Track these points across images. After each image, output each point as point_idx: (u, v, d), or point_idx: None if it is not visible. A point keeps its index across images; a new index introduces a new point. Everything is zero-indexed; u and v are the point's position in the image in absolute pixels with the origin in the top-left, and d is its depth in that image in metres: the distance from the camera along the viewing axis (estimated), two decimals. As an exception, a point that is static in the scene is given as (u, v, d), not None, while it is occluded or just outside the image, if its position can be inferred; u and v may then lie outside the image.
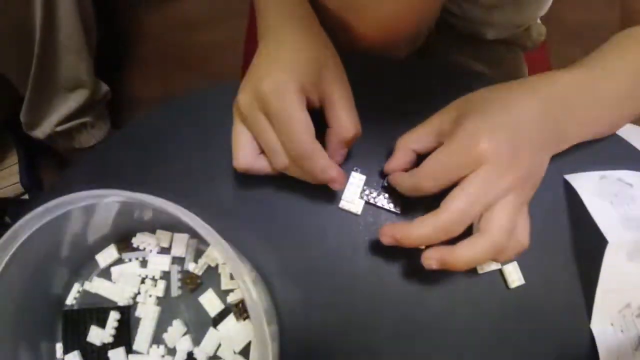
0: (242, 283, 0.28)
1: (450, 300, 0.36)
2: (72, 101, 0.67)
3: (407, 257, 0.37)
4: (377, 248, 0.38)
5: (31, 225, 0.32)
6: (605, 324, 0.35)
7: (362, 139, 0.37)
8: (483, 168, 0.31)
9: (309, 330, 0.36)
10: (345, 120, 0.35)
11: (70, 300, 0.38)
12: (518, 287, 0.36)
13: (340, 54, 0.37)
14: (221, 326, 0.36)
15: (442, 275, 0.37)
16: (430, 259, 0.32)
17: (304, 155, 0.33)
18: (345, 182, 0.38)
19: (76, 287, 0.39)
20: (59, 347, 0.37)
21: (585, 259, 0.36)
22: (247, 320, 0.36)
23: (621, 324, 0.35)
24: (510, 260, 0.36)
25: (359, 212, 0.38)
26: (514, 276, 0.36)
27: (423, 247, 0.35)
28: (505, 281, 0.36)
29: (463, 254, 0.31)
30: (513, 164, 0.31)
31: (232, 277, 0.37)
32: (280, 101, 0.32)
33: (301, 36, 0.36)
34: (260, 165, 0.36)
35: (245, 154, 0.36)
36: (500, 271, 0.37)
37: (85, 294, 0.39)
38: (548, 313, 0.36)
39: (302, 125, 0.33)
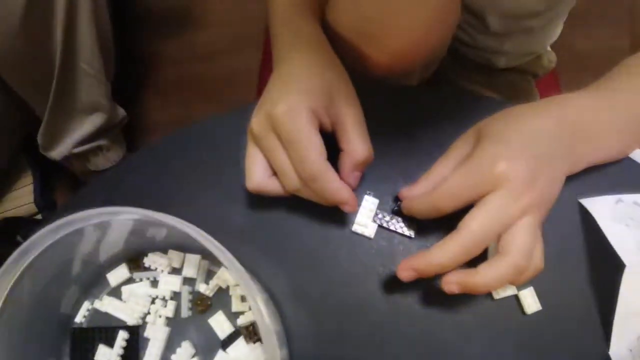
0: (254, 304, 0.28)
1: (466, 327, 0.36)
2: (89, 124, 0.69)
3: (420, 281, 0.36)
4: (390, 272, 0.37)
5: (44, 242, 0.33)
6: (623, 350, 0.34)
7: (374, 164, 0.36)
8: (501, 189, 0.31)
9: (318, 355, 0.36)
10: (357, 144, 0.35)
11: (79, 318, 0.38)
12: (535, 313, 0.35)
13: (353, 81, 0.38)
14: (230, 349, 0.35)
15: (457, 301, 0.36)
16: (452, 284, 0.31)
17: (315, 177, 0.33)
18: (358, 206, 0.38)
19: (85, 306, 0.38)
20: (66, 365, 0.37)
21: (603, 283, 0.35)
22: (257, 344, 0.35)
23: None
24: (526, 284, 0.35)
25: (372, 236, 0.38)
26: (530, 301, 0.35)
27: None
28: (521, 307, 0.35)
29: (485, 276, 0.31)
30: (530, 185, 0.31)
31: (243, 300, 0.37)
32: (292, 123, 0.33)
33: (313, 61, 0.37)
34: (272, 186, 0.36)
35: (258, 175, 0.36)
36: (516, 297, 0.36)
37: (94, 312, 0.38)
38: (565, 339, 0.35)
39: (314, 146, 0.33)
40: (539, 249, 0.32)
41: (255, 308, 0.28)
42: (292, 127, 0.33)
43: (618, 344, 0.34)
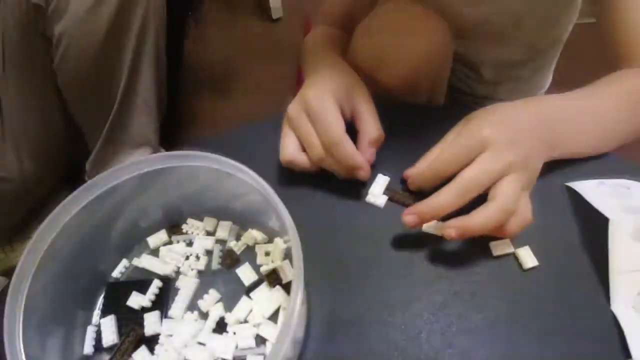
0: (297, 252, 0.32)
1: (470, 283, 0.38)
2: (135, 157, 0.77)
3: (427, 242, 0.41)
4: (398, 236, 0.41)
5: (107, 182, 0.38)
6: (627, 308, 0.36)
7: (387, 156, 0.44)
8: (488, 149, 0.37)
9: (333, 305, 0.38)
10: (370, 125, 0.43)
11: (116, 273, 0.42)
12: (533, 269, 0.38)
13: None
14: (253, 294, 0.39)
15: (460, 259, 0.40)
16: (450, 227, 0.36)
17: (335, 141, 0.40)
18: (372, 179, 0.44)
19: (123, 263, 0.43)
20: (95, 314, 0.40)
21: (595, 245, 0.39)
22: (276, 287, 0.38)
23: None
24: (523, 243, 0.39)
25: (382, 206, 0.43)
26: (527, 258, 0.38)
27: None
28: (519, 264, 0.39)
29: (477, 218, 0.36)
30: (512, 146, 0.38)
31: (267, 254, 0.41)
32: (319, 102, 0.41)
33: (336, 71, 0.47)
34: (301, 159, 0.43)
35: (290, 149, 0.43)
36: (514, 255, 0.39)
37: (131, 270, 0.43)
38: (565, 292, 0.37)
39: (336, 120, 0.41)
40: (525, 202, 0.37)
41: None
42: (319, 105, 0.41)
43: (620, 302, 0.36)
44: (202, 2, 1.59)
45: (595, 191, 0.41)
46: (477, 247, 0.40)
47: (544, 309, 0.37)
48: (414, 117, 0.51)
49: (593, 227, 0.39)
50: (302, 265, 0.31)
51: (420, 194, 0.42)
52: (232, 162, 0.36)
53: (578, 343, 0.35)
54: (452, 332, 0.36)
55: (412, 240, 0.41)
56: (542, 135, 0.41)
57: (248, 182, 0.36)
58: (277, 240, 0.41)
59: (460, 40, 0.59)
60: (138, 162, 0.39)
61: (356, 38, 0.52)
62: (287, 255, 0.40)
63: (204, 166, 0.38)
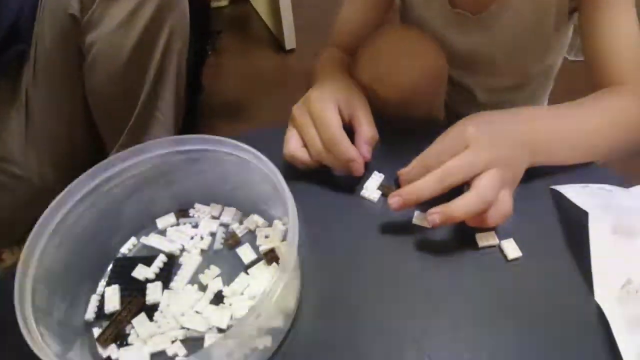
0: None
1: (455, 271, 0.41)
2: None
3: (416, 233, 0.43)
4: (388, 227, 0.44)
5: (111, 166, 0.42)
6: (611, 301, 0.37)
7: (379, 158, 0.48)
8: (471, 146, 0.41)
9: (326, 287, 0.41)
10: (365, 125, 0.47)
11: (124, 249, 0.45)
12: (517, 259, 0.40)
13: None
14: (251, 270, 0.41)
15: (446, 250, 0.42)
16: (434, 213, 0.39)
17: (333, 139, 0.44)
18: (367, 176, 0.47)
19: (132, 240, 0.45)
20: (101, 284, 0.42)
21: (579, 242, 0.40)
22: (274, 265, 0.41)
23: (627, 300, 0.37)
24: (507, 235, 0.42)
25: (375, 200, 0.46)
26: (511, 249, 0.41)
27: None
28: (504, 255, 0.41)
29: (459, 205, 0.39)
30: (492, 145, 0.41)
31: (266, 237, 0.44)
32: (320, 103, 0.46)
33: (339, 81, 0.52)
34: (302, 154, 0.47)
35: (293, 145, 0.47)
36: (499, 247, 0.41)
37: (140, 247, 0.45)
38: (548, 282, 0.39)
39: (334, 120, 0.45)
40: (506, 195, 0.40)
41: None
42: (321, 106, 0.46)
43: (603, 294, 0.38)
44: (219, 33, 1.69)
45: (578, 191, 0.44)
46: (464, 239, 0.42)
47: (528, 299, 0.39)
48: (411, 128, 0.55)
49: (576, 225, 0.41)
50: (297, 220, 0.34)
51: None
52: (249, 148, 0.40)
53: (563, 332, 0.36)
54: (438, 319, 0.38)
55: (402, 232, 0.44)
56: (525, 141, 0.44)
57: (260, 169, 0.39)
58: (276, 222, 0.43)
59: (454, 66, 0.64)
60: (157, 142, 0.42)
61: (359, 58, 0.57)
62: (285, 237, 0.42)
63: (221, 151, 0.41)
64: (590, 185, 0.45)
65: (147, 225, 0.47)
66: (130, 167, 0.42)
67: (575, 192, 0.44)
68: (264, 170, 0.39)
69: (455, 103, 0.73)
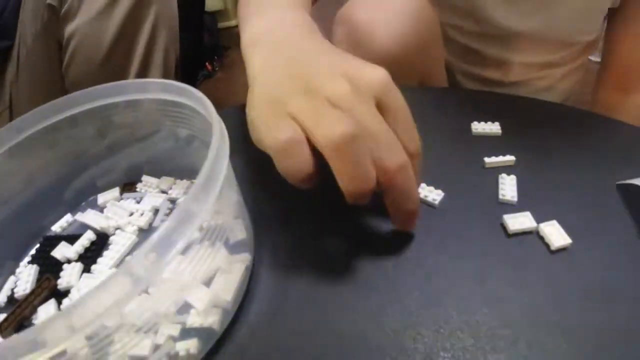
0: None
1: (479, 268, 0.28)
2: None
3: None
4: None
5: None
6: None
7: None
8: None
9: (286, 269, 0.30)
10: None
11: (56, 227, 0.37)
12: (564, 248, 0.28)
13: None
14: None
15: (459, 245, 0.30)
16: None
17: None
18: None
19: (66, 218, 0.37)
20: (22, 264, 0.34)
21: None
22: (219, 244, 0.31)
23: None
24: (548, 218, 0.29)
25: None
26: (555, 235, 0.28)
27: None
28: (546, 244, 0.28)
29: None
30: None
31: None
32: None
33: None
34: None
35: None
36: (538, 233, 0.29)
37: (75, 226, 0.37)
38: (600, 274, 0.26)
39: None
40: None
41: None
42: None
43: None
44: (227, 49, 1.67)
45: None
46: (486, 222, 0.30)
47: (572, 291, 0.26)
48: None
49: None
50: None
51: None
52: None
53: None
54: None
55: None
56: None
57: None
58: (228, 192, 0.33)
59: (488, 41, 0.53)
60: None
61: (341, 19, 0.48)
62: (240, 213, 0.32)
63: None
64: None
65: (87, 202, 0.38)
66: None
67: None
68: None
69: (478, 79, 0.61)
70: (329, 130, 0.24)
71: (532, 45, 0.56)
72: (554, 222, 0.29)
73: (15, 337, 0.18)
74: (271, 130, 0.26)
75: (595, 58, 0.94)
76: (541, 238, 0.29)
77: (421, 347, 0.24)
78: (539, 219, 0.29)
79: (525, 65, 0.57)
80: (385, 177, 0.25)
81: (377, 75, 0.27)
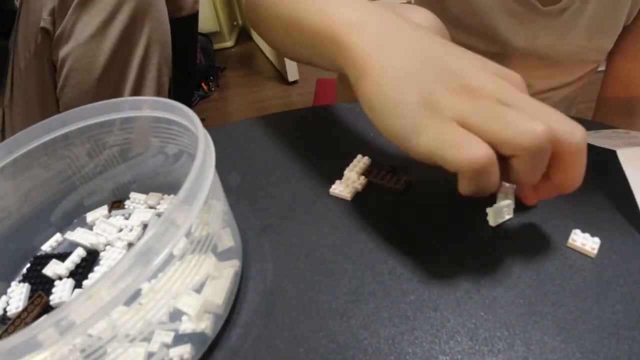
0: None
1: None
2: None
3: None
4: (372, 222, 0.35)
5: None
6: None
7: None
8: None
9: (275, 276, 0.32)
10: None
11: (45, 247, 0.38)
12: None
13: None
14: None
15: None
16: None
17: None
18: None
19: (56, 237, 0.38)
20: (14, 284, 0.35)
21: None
22: (209, 255, 0.32)
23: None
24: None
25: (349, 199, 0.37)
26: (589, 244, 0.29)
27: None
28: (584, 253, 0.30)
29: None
30: None
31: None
32: None
33: None
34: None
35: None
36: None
37: (65, 244, 0.38)
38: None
39: None
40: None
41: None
42: None
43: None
44: (223, 70, 1.71)
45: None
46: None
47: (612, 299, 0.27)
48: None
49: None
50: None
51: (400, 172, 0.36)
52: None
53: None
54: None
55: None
56: None
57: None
58: (214, 202, 0.35)
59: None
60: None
61: None
62: (228, 223, 0.34)
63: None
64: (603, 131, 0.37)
65: (75, 222, 0.40)
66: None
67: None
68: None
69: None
70: (526, 130, 0.22)
71: (546, 64, 0.57)
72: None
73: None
74: (454, 147, 0.23)
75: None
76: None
77: (419, 351, 0.26)
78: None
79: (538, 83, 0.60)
80: (564, 158, 0.24)
81: (517, 74, 0.26)
